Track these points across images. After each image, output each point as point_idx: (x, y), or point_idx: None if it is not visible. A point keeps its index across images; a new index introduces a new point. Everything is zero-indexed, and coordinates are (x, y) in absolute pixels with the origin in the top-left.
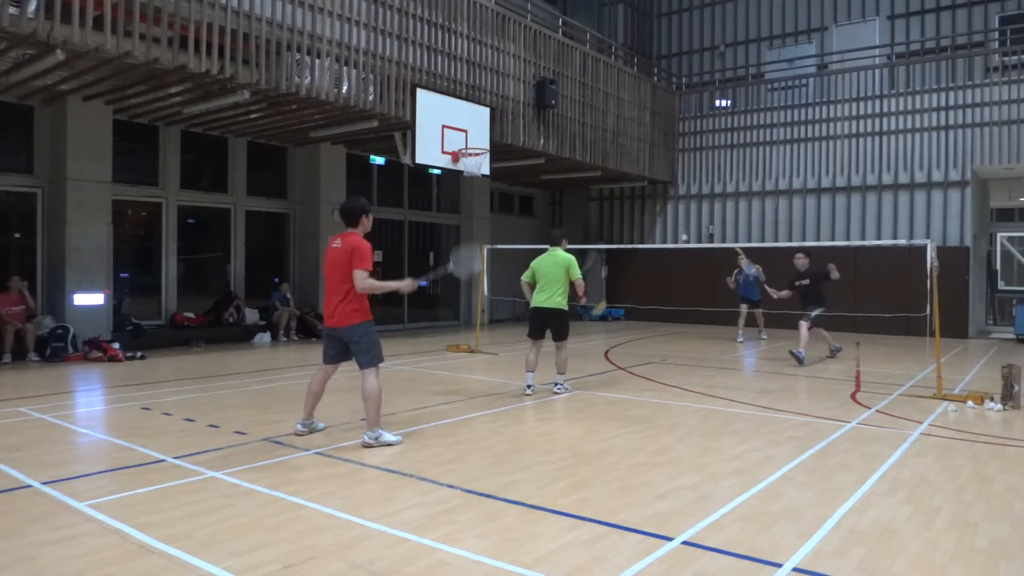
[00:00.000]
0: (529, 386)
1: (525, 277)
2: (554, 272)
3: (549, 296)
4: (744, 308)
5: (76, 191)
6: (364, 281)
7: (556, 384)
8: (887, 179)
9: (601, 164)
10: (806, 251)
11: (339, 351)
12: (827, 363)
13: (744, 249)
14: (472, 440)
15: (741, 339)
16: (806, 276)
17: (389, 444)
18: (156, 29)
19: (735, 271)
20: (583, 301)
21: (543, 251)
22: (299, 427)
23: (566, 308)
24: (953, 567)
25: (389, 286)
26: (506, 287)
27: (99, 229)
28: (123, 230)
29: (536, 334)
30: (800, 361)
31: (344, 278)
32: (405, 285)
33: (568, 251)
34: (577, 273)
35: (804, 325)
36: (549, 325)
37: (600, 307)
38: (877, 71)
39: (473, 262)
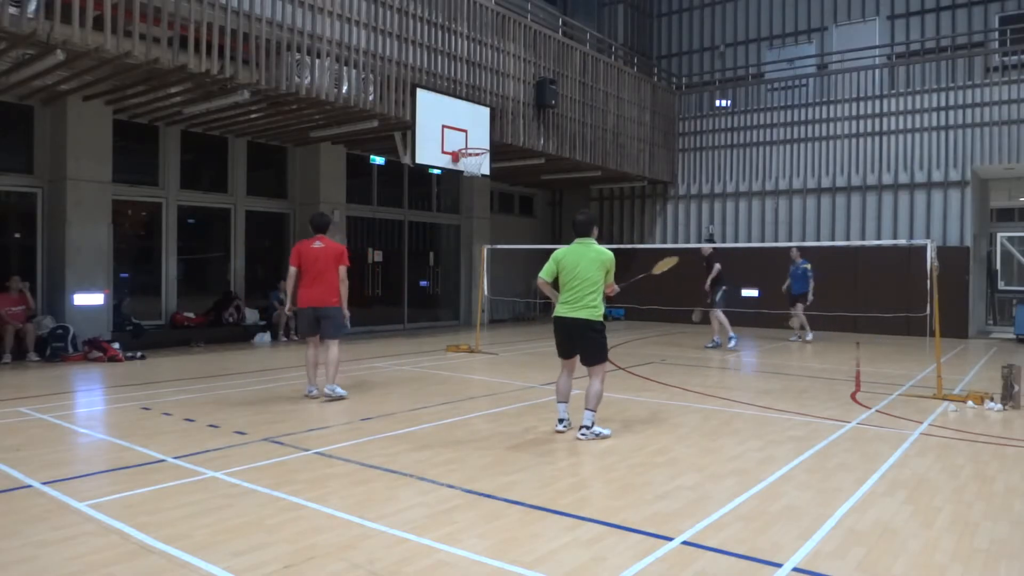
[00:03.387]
0: (561, 420)
1: (544, 274)
2: (589, 271)
3: (579, 303)
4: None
5: (76, 191)
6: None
7: (582, 428)
8: (887, 179)
9: (601, 164)
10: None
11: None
12: (827, 363)
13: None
14: (472, 440)
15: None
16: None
17: (342, 397)
18: (156, 29)
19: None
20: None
21: (544, 252)
22: (312, 390)
23: (601, 320)
24: (953, 567)
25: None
26: (506, 287)
27: (99, 229)
28: (123, 230)
29: (567, 353)
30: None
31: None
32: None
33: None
34: (612, 276)
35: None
36: (577, 344)
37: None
38: (877, 71)
39: None
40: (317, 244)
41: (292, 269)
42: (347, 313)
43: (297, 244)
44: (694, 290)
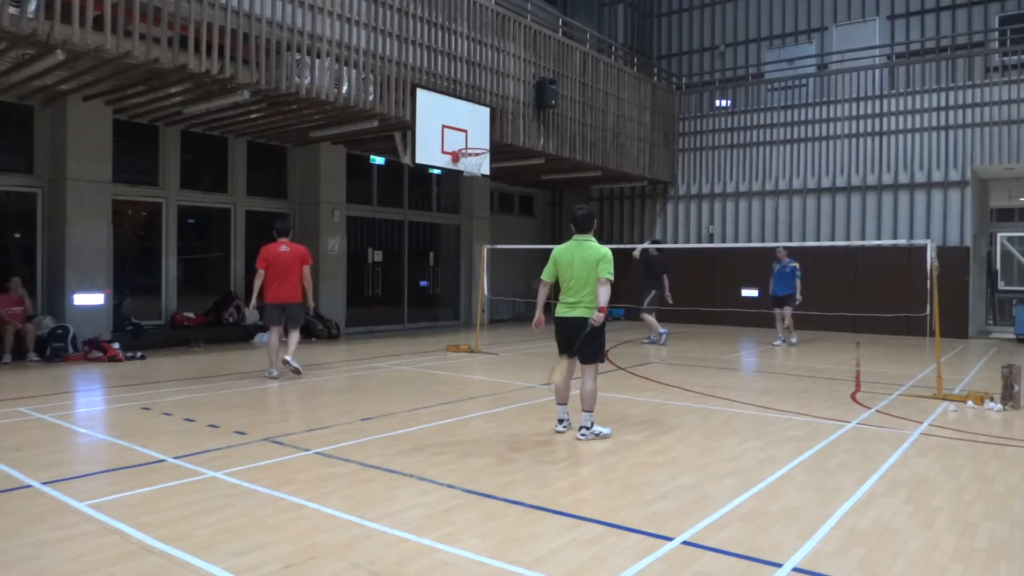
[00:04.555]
0: (561, 421)
1: (546, 275)
2: (582, 271)
3: (577, 302)
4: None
5: (76, 191)
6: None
7: (581, 428)
8: (887, 179)
9: (601, 164)
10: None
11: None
12: (827, 363)
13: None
14: (472, 440)
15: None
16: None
17: (298, 370)
18: (156, 29)
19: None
20: (597, 318)
21: (544, 252)
22: (273, 372)
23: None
24: (953, 567)
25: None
26: (506, 287)
27: (99, 229)
28: (123, 230)
29: (567, 352)
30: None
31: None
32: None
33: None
34: (608, 271)
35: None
36: (576, 342)
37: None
38: (877, 71)
39: None
40: (283, 248)
41: (260, 271)
42: (312, 305)
43: (264, 248)
44: (694, 290)
